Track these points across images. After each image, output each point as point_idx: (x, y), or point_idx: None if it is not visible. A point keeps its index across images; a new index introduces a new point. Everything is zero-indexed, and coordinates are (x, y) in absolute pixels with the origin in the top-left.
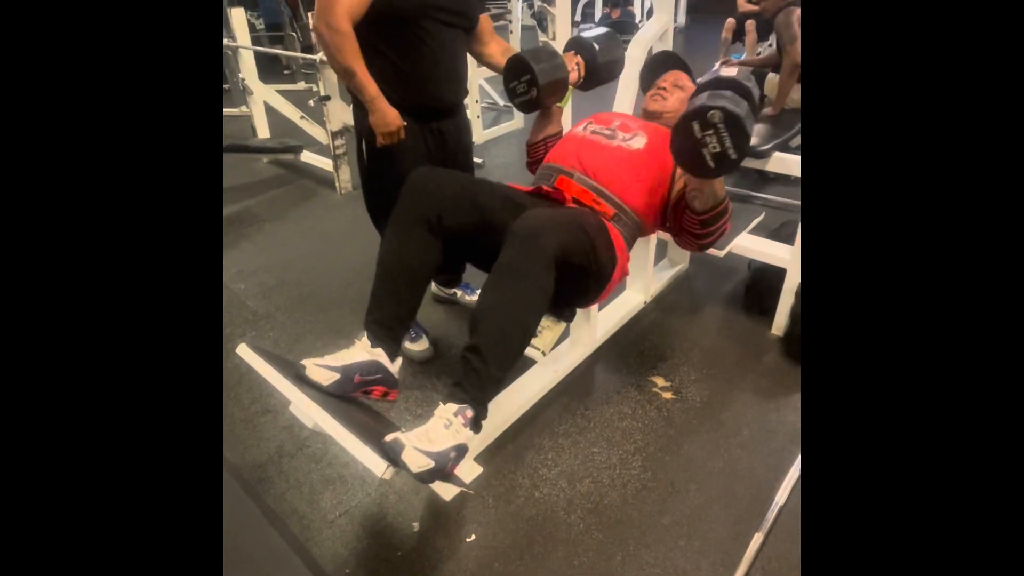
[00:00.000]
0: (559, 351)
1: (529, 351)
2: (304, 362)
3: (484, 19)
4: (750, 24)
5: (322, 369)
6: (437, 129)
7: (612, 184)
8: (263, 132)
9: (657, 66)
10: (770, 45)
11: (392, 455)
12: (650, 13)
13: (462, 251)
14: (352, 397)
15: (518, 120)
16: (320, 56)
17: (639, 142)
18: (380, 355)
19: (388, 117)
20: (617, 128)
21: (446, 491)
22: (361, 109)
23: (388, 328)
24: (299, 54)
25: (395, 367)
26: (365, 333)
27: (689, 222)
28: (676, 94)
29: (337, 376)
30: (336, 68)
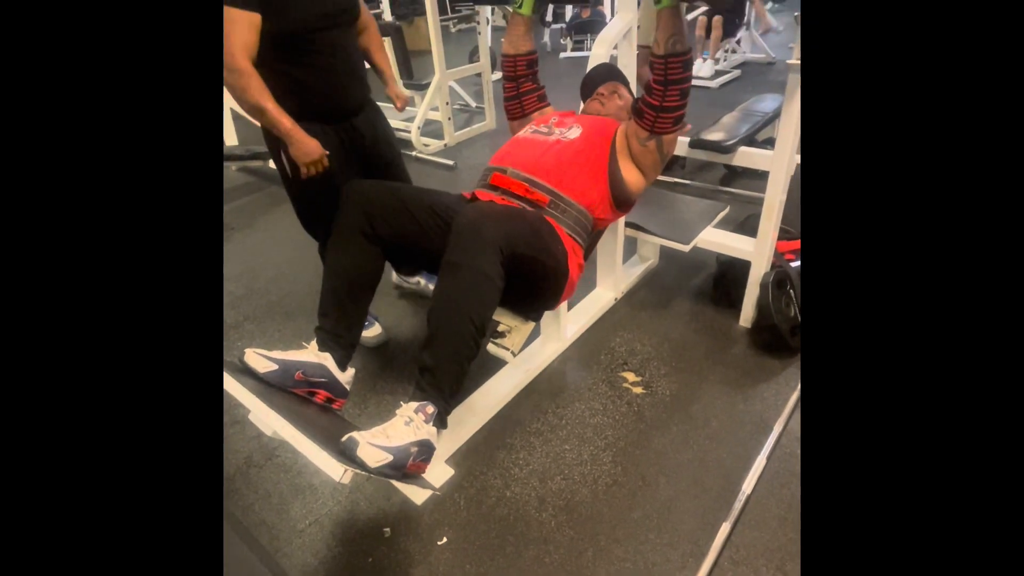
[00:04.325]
0: (529, 351)
1: (499, 352)
2: (245, 349)
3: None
4: (717, 20)
5: (260, 358)
6: (351, 127)
7: (545, 174)
8: (231, 139)
9: (596, 77)
10: (738, 42)
11: (347, 453)
12: None
13: (407, 257)
14: (294, 393)
15: (490, 121)
16: None
17: (575, 132)
18: (327, 360)
19: (308, 147)
20: (554, 125)
21: (417, 495)
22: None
23: (335, 335)
24: None
25: (344, 376)
26: (315, 339)
27: (674, 69)
28: (615, 100)
29: (275, 367)
30: (245, 108)
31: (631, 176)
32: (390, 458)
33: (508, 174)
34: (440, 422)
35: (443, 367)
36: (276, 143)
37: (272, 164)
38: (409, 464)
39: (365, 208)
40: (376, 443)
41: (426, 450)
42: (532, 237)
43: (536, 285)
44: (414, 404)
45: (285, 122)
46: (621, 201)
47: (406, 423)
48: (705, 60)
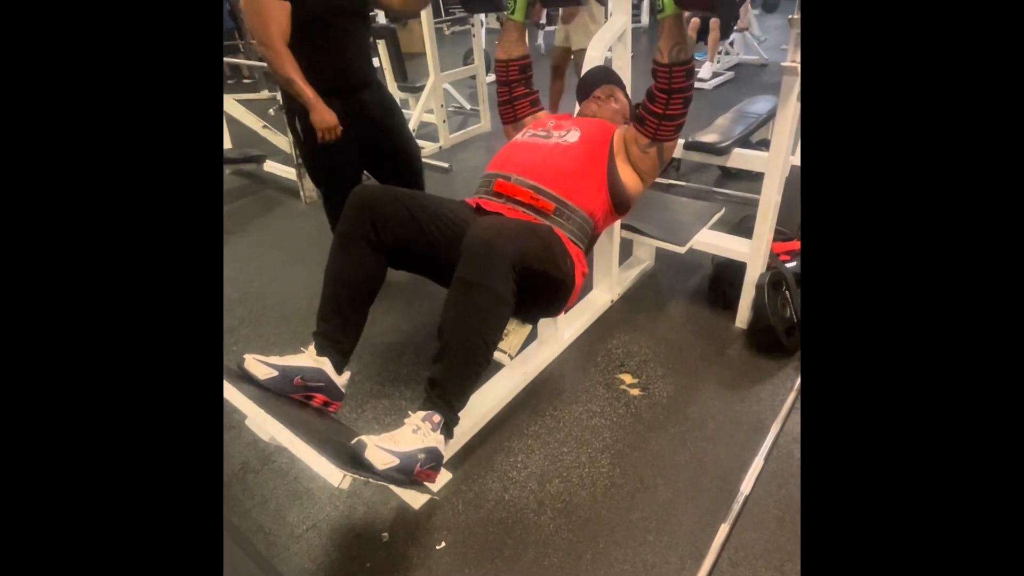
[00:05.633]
0: (527, 353)
1: (496, 354)
2: (245, 356)
3: None
4: (714, 22)
5: (261, 364)
6: (357, 101)
7: (549, 180)
8: (225, 142)
9: (593, 80)
10: (731, 44)
11: (355, 455)
12: None
13: (410, 265)
14: (291, 398)
15: (485, 123)
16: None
17: (573, 135)
18: (325, 364)
19: (326, 115)
20: (552, 128)
21: (415, 499)
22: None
23: (334, 340)
24: (258, 63)
25: (340, 380)
26: (313, 343)
27: (678, 78)
28: (611, 104)
29: (275, 373)
30: (278, 79)
31: (629, 179)
32: (397, 461)
33: (512, 181)
34: (447, 432)
35: (453, 382)
36: (292, 112)
37: (266, 167)
38: (417, 470)
39: (371, 215)
40: (384, 446)
41: (434, 457)
42: (544, 252)
43: (543, 297)
44: (421, 413)
45: (309, 93)
46: (619, 204)
47: (414, 431)
48: (703, 61)
